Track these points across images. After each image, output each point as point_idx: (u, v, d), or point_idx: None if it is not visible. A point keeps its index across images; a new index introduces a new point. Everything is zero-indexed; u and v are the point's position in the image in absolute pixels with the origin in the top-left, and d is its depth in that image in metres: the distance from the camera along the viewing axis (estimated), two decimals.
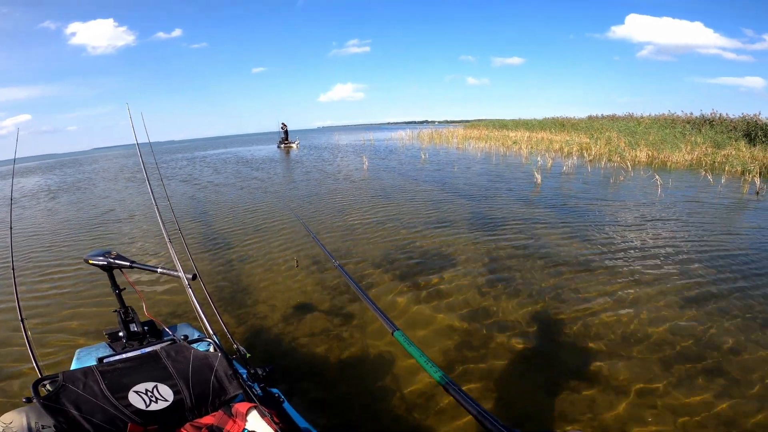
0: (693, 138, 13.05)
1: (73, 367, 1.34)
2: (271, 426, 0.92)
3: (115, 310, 1.52)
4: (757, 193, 6.65)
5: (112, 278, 1.51)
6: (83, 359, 1.42)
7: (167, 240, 1.68)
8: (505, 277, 3.34)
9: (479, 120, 43.05)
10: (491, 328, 2.60)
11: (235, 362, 1.30)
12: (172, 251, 1.55)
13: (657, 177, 7.30)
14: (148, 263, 1.40)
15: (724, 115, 15.19)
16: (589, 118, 22.86)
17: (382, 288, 3.25)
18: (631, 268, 3.48)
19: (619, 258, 3.73)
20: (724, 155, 10.95)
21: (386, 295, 3.11)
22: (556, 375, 2.14)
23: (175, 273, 1.37)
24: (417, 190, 7.55)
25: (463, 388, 0.65)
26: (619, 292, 3.01)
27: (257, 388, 1.16)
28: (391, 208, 6.06)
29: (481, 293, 3.07)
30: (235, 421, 0.99)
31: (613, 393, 1.97)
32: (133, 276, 1.60)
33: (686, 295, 2.96)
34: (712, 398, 1.91)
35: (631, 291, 3.03)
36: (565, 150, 13.66)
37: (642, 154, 11.53)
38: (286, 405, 1.14)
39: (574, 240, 4.26)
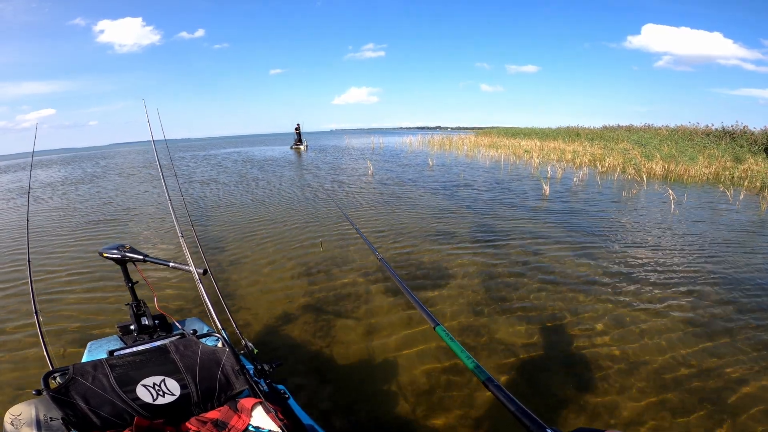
0: (710, 151, 12.79)
1: (84, 359, 1.35)
2: (275, 422, 0.92)
3: (128, 304, 1.53)
4: None
5: (125, 271, 1.52)
6: (94, 352, 1.42)
7: (179, 234, 1.69)
8: (502, 296, 3.18)
9: (492, 127, 42.96)
10: (482, 349, 2.47)
11: (242, 357, 1.30)
12: (184, 246, 1.54)
13: (670, 191, 7.17)
14: (160, 257, 1.40)
15: (745, 127, 14.90)
16: (604, 128, 22.58)
17: (373, 301, 3.11)
18: (636, 290, 3.30)
19: (624, 278, 3.52)
20: (744, 170, 10.71)
21: (376, 309, 2.98)
22: (546, 406, 1.99)
23: (187, 267, 1.37)
24: (420, 198, 7.44)
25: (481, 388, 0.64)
26: (622, 317, 2.85)
27: (263, 384, 1.16)
28: (390, 217, 5.94)
29: (475, 312, 2.94)
30: (240, 417, 0.99)
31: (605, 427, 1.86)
32: (145, 270, 1.62)
33: (694, 322, 2.80)
34: None
35: (634, 315, 2.88)
36: (577, 161, 13.49)
37: (657, 167, 11.33)
38: (292, 401, 1.14)
39: (577, 257, 4.10)
